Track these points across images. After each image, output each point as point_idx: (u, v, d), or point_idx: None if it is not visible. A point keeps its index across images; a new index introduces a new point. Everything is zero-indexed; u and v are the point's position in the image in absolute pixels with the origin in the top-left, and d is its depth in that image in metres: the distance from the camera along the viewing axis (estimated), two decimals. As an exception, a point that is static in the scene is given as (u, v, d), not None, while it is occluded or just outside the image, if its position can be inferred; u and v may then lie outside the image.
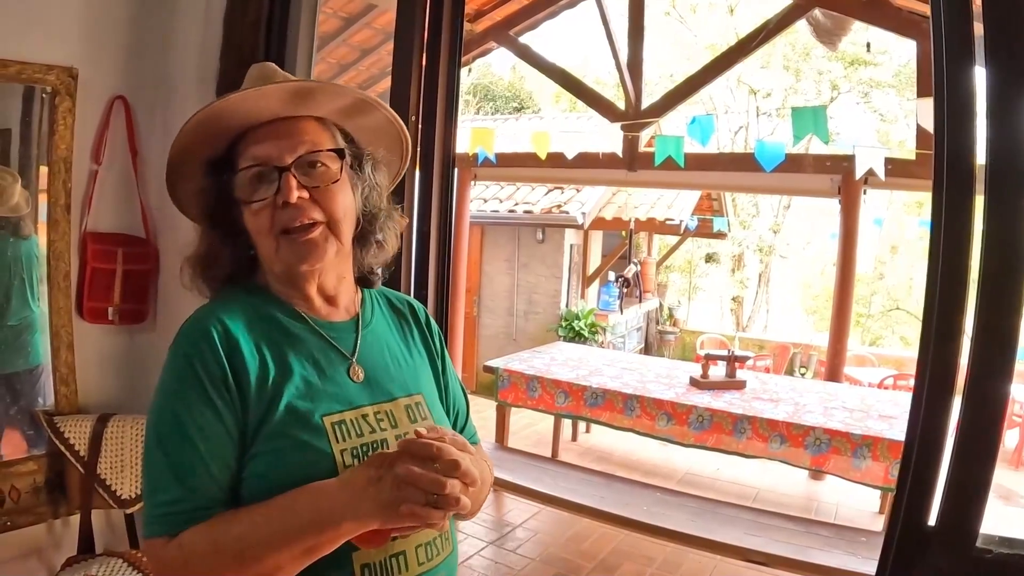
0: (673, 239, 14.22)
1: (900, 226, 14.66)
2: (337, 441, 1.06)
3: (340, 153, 1.15)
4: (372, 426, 1.11)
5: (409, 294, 2.02)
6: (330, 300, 1.20)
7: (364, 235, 1.22)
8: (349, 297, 1.24)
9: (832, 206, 6.99)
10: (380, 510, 0.94)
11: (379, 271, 1.31)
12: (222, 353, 1.05)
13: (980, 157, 1.36)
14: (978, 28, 1.37)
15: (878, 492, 4.91)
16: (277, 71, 1.19)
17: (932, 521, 1.44)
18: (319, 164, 1.12)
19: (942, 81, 1.40)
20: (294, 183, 1.08)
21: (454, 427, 1.34)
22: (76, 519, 2.48)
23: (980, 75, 1.36)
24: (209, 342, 1.05)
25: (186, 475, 0.99)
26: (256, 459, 1.03)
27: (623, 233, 11.35)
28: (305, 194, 1.09)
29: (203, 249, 1.17)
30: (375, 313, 1.28)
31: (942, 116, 1.40)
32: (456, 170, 7.90)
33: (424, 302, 2.12)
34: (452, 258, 2.21)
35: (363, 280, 1.29)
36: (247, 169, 1.11)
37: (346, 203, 1.15)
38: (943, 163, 1.40)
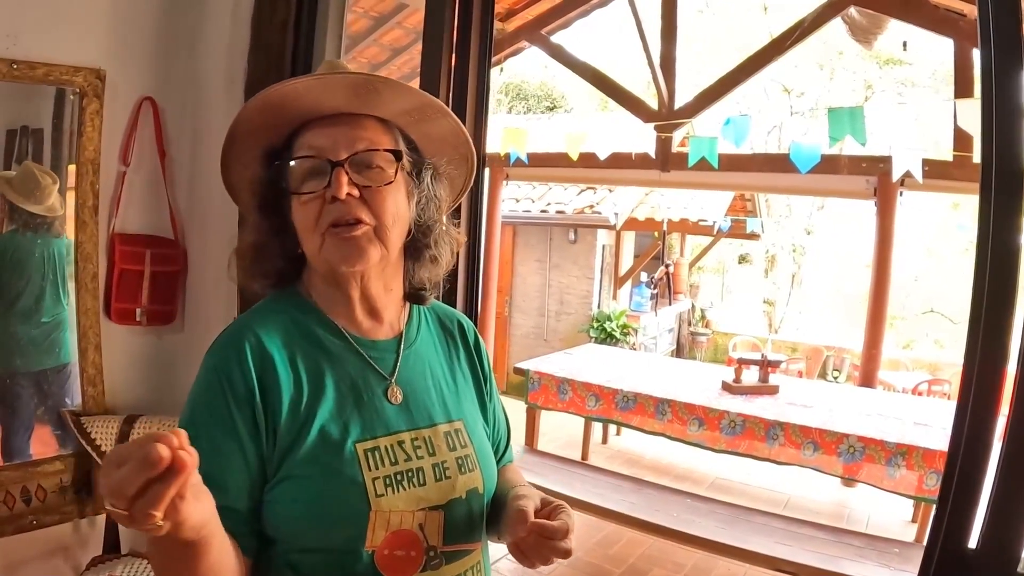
0: (706, 240, 14.12)
1: (936, 228, 14.46)
2: (369, 469, 1.02)
3: (397, 155, 1.10)
4: (408, 453, 1.07)
5: (438, 298, 1.99)
6: (374, 313, 1.15)
7: (416, 247, 1.17)
8: (395, 312, 1.19)
9: (867, 207, 6.88)
10: None
11: (430, 288, 1.24)
12: (253, 371, 1.02)
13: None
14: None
15: (911, 501, 4.83)
16: (347, 67, 1.14)
17: (973, 543, 1.40)
18: (374, 164, 1.08)
19: (990, 85, 1.37)
20: (345, 179, 1.03)
21: (494, 453, 1.29)
22: (102, 519, 2.51)
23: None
24: (240, 358, 1.02)
25: None
26: (286, 483, 1.00)
27: (655, 234, 11.28)
28: (356, 192, 1.04)
29: (252, 239, 1.14)
30: (421, 331, 1.23)
31: (990, 120, 1.37)
32: (488, 170, 7.85)
33: (452, 306, 2.09)
34: (481, 261, 2.17)
35: (414, 296, 1.23)
36: (301, 159, 1.08)
37: (397, 209, 1.09)
38: (991, 168, 1.36)
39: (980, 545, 1.39)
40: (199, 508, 0.76)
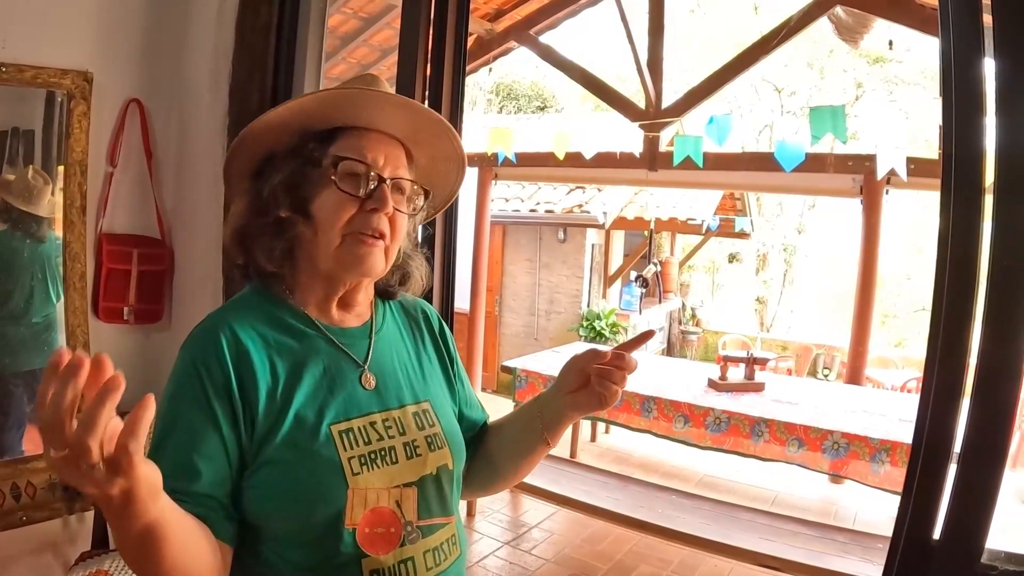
0: (696, 239, 14.16)
1: (927, 226, 14.53)
2: (345, 449, 1.07)
3: (427, 195, 1.23)
4: (380, 433, 1.12)
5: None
6: (346, 307, 1.21)
7: (396, 269, 1.26)
8: (365, 305, 1.25)
9: (858, 206, 6.90)
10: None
11: (398, 286, 1.32)
12: (229, 361, 1.05)
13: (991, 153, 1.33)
14: (988, 20, 1.34)
15: (897, 497, 4.85)
16: (383, 83, 1.22)
17: (937, 534, 1.41)
18: (406, 192, 1.17)
19: (950, 74, 1.37)
20: (390, 196, 1.12)
21: (475, 423, 1.40)
22: (90, 515, 2.52)
23: (990, 68, 1.33)
24: (217, 349, 1.05)
25: (175, 479, 0.96)
26: (265, 468, 1.04)
27: (645, 233, 11.32)
28: (390, 210, 1.12)
29: (272, 216, 1.14)
30: (387, 318, 1.29)
31: (950, 111, 1.37)
32: (476, 170, 7.85)
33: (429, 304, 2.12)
34: (456, 261, 2.20)
35: (383, 292, 1.31)
36: (351, 160, 1.12)
37: (403, 235, 1.19)
38: (951, 159, 1.37)
39: (943, 536, 1.39)
40: (150, 470, 0.76)
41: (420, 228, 1.33)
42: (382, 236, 1.12)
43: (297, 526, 1.04)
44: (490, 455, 1.37)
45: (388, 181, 1.13)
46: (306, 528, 1.04)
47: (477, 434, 1.40)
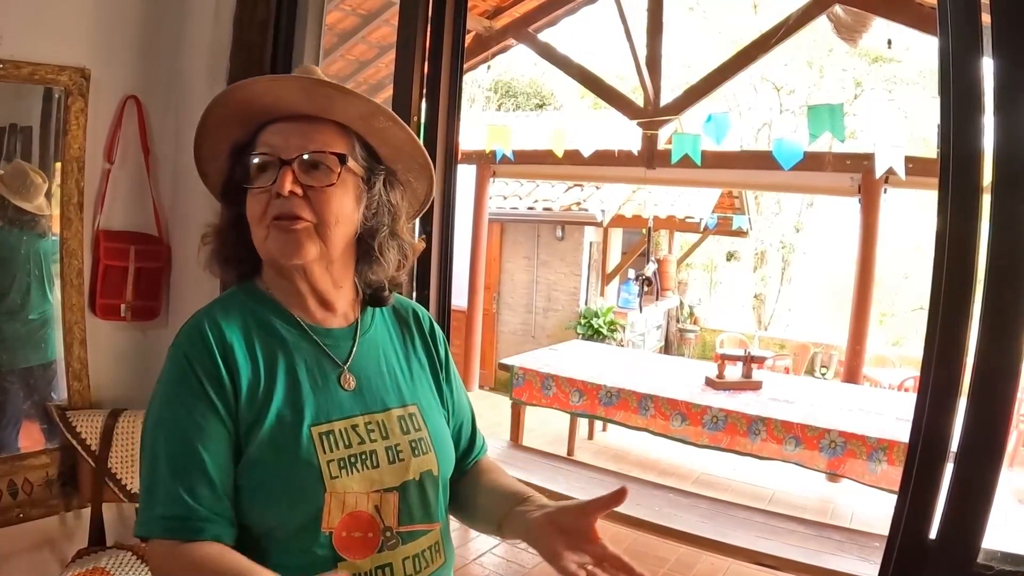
0: (694, 237, 14.15)
1: (926, 225, 14.53)
2: (324, 452, 1.06)
3: (341, 159, 1.12)
4: (362, 436, 1.12)
5: (412, 294, 2.01)
6: (326, 304, 1.19)
7: (365, 249, 1.19)
8: (347, 303, 1.23)
9: (856, 205, 6.89)
10: None
11: (389, 289, 1.27)
12: (217, 353, 1.07)
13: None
14: (987, 19, 1.34)
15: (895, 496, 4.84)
16: (316, 72, 1.18)
17: (933, 534, 1.41)
18: (321, 166, 1.11)
19: (948, 73, 1.37)
20: (290, 177, 1.07)
21: (459, 437, 1.35)
22: (87, 512, 2.51)
23: (988, 67, 1.33)
24: (205, 342, 1.07)
25: (184, 477, 1.00)
26: (247, 466, 1.04)
27: (643, 231, 11.31)
28: (299, 190, 1.08)
29: (218, 226, 1.20)
30: (375, 319, 1.27)
31: (948, 110, 1.37)
32: (475, 167, 7.83)
33: (425, 302, 2.11)
34: (453, 260, 2.20)
35: (374, 299, 1.26)
36: (255, 155, 1.12)
37: (340, 210, 1.12)
38: (949, 158, 1.37)
39: (940, 535, 1.40)
40: None
41: (390, 198, 1.21)
42: (299, 218, 1.09)
43: (275, 525, 1.05)
44: (463, 500, 1.33)
45: (293, 162, 1.09)
46: (284, 528, 1.04)
47: (463, 455, 1.36)
